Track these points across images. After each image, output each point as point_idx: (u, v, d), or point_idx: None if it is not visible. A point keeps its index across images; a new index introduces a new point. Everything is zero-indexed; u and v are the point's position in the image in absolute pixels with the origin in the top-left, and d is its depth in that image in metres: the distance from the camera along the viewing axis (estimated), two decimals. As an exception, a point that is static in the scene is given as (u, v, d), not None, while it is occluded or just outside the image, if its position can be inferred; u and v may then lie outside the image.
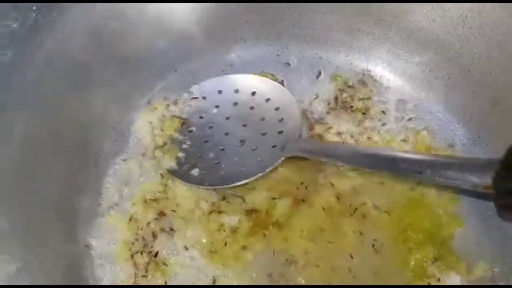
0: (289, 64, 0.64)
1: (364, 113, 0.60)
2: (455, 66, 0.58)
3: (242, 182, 0.55)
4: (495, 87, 0.55)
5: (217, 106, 0.60)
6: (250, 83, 0.62)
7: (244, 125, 0.59)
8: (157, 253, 0.52)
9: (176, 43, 0.62)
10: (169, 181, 0.57)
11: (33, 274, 0.42)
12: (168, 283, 0.51)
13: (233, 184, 0.55)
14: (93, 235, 0.53)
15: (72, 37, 0.52)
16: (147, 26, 0.59)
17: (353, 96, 0.61)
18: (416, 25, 0.59)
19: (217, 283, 0.51)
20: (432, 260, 0.52)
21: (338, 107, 0.61)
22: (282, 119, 0.58)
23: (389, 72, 0.63)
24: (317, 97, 0.62)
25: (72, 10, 0.51)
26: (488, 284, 0.51)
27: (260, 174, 0.55)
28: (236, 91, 0.61)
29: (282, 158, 0.56)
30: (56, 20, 0.49)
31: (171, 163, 0.57)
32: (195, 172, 0.56)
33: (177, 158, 0.57)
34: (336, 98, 0.61)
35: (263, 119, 0.59)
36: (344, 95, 0.62)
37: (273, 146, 0.57)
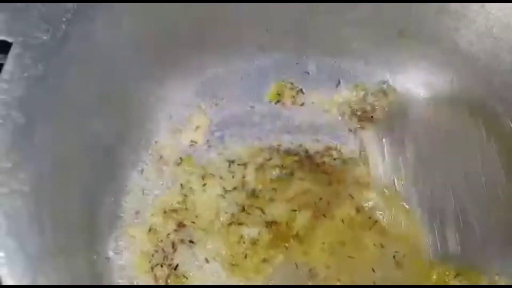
0: (308, 72, 0.64)
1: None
2: (479, 77, 0.57)
3: None
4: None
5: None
6: None
7: None
8: (177, 265, 0.52)
9: (196, 51, 0.61)
10: (189, 191, 0.56)
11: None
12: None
13: None
14: (112, 247, 0.53)
15: (104, 48, 0.51)
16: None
17: (373, 105, 0.61)
18: (439, 35, 0.58)
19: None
20: (454, 274, 0.52)
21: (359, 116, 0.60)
22: None
23: (410, 83, 0.62)
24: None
25: (102, 18, 0.50)
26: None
27: None
28: None
29: None
30: (88, 31, 0.48)
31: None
32: None
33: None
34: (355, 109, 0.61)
35: None
36: (365, 105, 0.61)
37: None
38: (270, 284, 0.52)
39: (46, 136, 0.45)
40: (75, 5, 0.47)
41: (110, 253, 0.52)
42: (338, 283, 0.51)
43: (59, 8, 0.46)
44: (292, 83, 0.63)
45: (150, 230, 0.54)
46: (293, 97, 0.62)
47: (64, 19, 0.46)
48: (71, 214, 0.49)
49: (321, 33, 0.62)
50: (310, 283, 0.52)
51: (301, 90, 0.62)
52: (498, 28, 0.54)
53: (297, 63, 0.64)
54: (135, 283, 0.52)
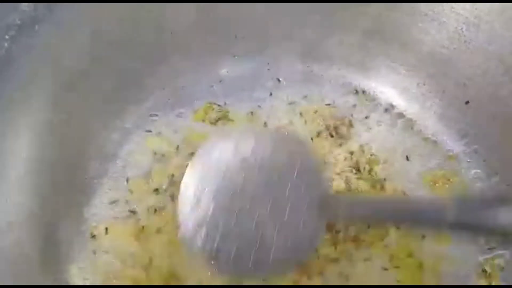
0: (279, 80, 0.62)
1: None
2: (451, 79, 0.57)
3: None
4: (492, 101, 0.54)
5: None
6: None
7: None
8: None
9: (164, 58, 0.59)
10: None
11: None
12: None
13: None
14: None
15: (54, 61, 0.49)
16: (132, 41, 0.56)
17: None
18: (410, 38, 0.57)
19: None
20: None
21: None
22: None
23: (383, 85, 0.61)
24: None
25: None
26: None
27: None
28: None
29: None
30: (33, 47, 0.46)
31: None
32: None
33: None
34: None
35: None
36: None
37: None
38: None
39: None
40: (19, 21, 0.44)
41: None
42: None
43: (1, 24, 0.44)
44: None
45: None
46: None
47: (7, 37, 0.44)
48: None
49: (292, 38, 0.61)
50: None
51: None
52: (467, 29, 0.54)
53: (268, 69, 0.63)
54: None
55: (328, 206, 0.46)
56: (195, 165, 0.47)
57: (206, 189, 0.45)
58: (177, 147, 0.58)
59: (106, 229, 0.53)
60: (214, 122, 0.60)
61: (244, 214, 0.44)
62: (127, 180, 0.56)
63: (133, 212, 0.54)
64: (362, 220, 0.49)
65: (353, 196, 0.52)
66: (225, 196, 0.45)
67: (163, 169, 0.56)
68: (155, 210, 0.54)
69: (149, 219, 0.53)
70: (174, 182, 0.55)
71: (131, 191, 0.55)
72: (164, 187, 0.55)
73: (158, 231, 0.53)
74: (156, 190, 0.55)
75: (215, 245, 0.43)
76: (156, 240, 0.52)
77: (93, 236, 0.52)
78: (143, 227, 0.53)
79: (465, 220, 0.40)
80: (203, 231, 0.44)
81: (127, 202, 0.54)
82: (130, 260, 0.51)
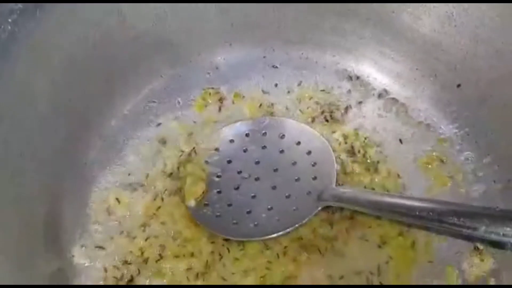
0: (275, 66, 0.64)
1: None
2: (442, 63, 0.58)
3: (279, 233, 0.51)
4: (483, 83, 0.55)
5: (245, 150, 0.57)
6: (278, 125, 0.58)
7: (275, 170, 0.55)
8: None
9: (160, 47, 0.60)
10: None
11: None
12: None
13: (269, 236, 0.51)
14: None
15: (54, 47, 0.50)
16: (130, 30, 0.57)
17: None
18: (402, 23, 0.58)
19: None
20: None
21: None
22: (315, 164, 0.55)
23: (376, 71, 0.62)
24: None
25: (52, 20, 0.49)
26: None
27: (297, 225, 0.51)
28: (264, 134, 0.58)
29: (319, 208, 0.52)
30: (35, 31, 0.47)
31: (192, 203, 0.54)
32: (224, 221, 0.52)
33: (204, 204, 0.54)
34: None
35: (294, 163, 0.55)
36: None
37: (308, 193, 0.53)
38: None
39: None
40: (20, 5, 0.45)
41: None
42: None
43: (4, 8, 0.45)
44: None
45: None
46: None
47: (9, 20, 0.45)
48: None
49: (287, 25, 0.62)
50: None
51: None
52: (457, 13, 0.55)
53: (264, 57, 0.64)
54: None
55: (328, 197, 0.52)
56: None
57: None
58: (175, 133, 0.59)
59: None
60: (212, 108, 0.61)
61: (246, 189, 0.54)
62: (126, 165, 0.57)
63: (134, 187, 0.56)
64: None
65: (352, 191, 0.53)
66: (232, 171, 0.55)
67: (163, 154, 0.58)
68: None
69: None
70: (174, 167, 0.57)
71: (131, 175, 0.57)
72: (165, 170, 0.57)
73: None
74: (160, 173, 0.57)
75: (217, 213, 0.53)
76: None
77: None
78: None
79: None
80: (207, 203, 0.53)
81: (130, 184, 0.56)
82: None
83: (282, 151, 0.56)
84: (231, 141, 0.58)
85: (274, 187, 0.54)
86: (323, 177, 0.54)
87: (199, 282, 0.50)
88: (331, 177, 0.54)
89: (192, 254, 0.52)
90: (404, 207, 0.47)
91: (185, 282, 0.50)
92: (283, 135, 0.58)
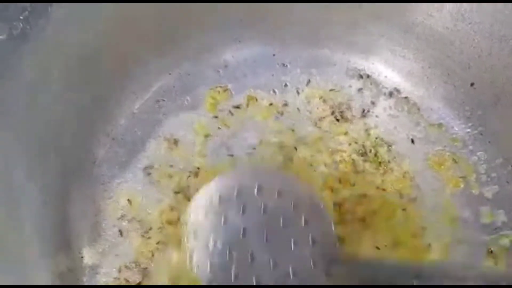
0: (285, 65, 0.63)
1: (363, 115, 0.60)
2: (455, 62, 0.57)
3: None
4: (497, 82, 0.54)
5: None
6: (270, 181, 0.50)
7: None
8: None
9: (169, 44, 0.60)
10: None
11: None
12: None
13: None
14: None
15: (64, 44, 0.50)
16: (139, 28, 0.57)
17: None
18: (413, 21, 0.58)
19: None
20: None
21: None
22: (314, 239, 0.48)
23: (387, 69, 0.61)
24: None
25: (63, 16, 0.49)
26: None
27: None
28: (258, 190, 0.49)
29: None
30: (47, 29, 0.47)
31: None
32: None
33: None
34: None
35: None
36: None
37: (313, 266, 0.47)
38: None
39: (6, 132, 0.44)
40: (32, 2, 0.45)
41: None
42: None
43: (15, 6, 0.44)
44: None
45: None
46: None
47: (21, 17, 0.44)
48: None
49: (297, 22, 0.61)
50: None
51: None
52: (470, 10, 0.54)
53: (273, 55, 0.63)
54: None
55: (333, 269, 0.47)
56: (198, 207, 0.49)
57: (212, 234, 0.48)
58: (185, 132, 0.59)
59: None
60: (221, 108, 0.61)
61: (245, 263, 0.47)
62: (136, 165, 0.57)
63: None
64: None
65: (357, 260, 0.49)
66: (229, 243, 0.48)
67: (172, 154, 0.58)
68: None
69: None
70: (183, 169, 0.57)
71: (140, 175, 0.56)
72: (175, 171, 0.57)
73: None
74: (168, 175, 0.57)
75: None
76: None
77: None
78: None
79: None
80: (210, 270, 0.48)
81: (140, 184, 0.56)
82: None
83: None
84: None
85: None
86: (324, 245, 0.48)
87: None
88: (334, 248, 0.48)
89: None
90: None
91: None
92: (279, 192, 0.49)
